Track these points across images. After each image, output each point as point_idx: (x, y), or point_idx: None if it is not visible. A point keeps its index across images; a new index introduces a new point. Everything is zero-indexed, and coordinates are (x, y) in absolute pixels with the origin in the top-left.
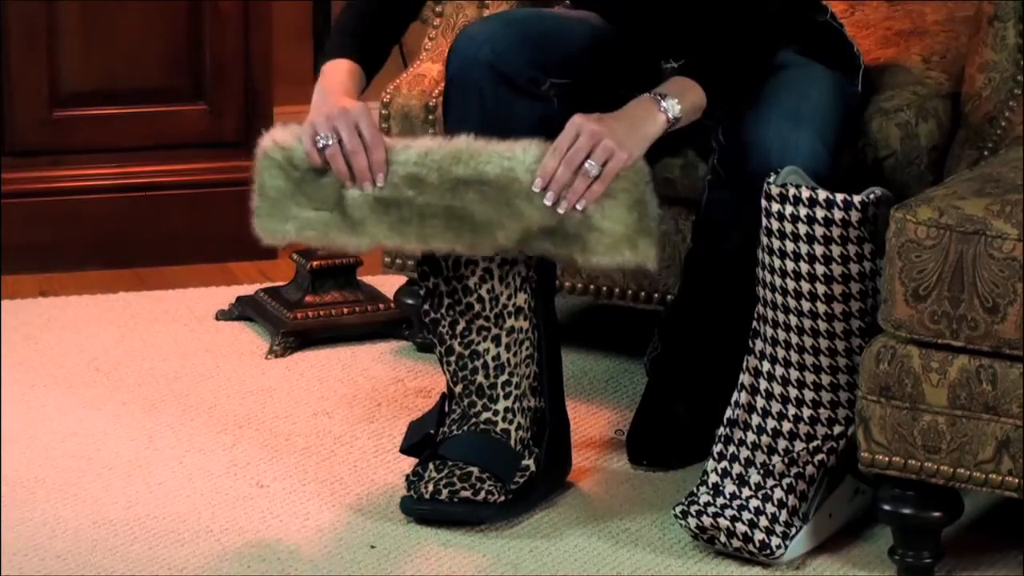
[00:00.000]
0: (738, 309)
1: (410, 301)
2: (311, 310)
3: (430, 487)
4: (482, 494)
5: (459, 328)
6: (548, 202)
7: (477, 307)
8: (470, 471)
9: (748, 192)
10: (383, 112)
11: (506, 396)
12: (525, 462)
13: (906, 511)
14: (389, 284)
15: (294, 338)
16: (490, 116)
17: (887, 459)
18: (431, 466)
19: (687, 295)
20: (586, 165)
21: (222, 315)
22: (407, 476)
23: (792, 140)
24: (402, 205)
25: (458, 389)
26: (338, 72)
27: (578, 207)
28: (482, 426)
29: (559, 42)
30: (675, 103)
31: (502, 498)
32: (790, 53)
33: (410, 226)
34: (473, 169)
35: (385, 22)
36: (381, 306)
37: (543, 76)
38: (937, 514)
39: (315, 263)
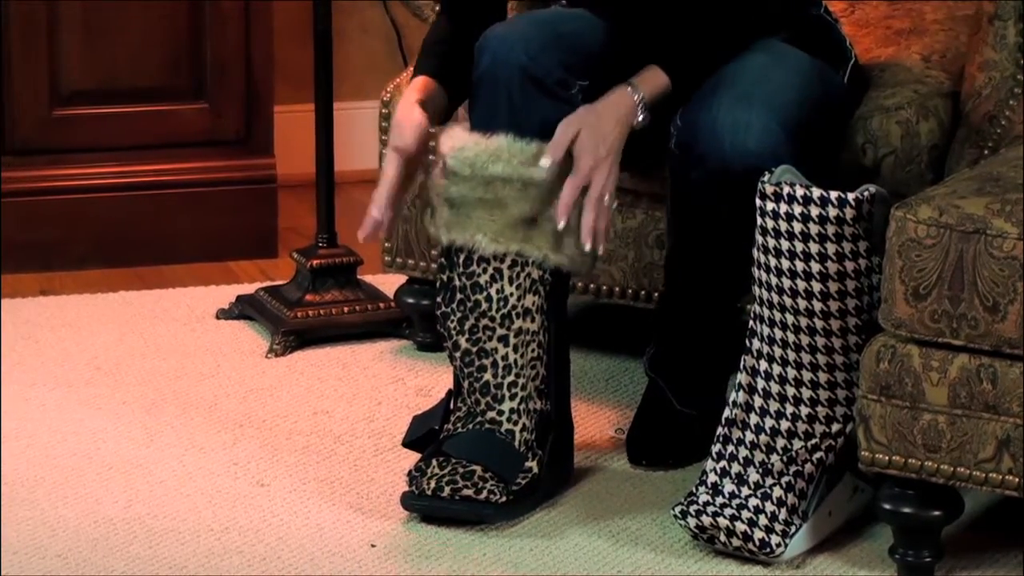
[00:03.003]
0: (718, 294)
1: (410, 300)
2: (311, 309)
3: (432, 483)
4: (484, 493)
5: (467, 325)
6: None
7: (485, 305)
8: (473, 469)
9: (704, 173)
10: (383, 111)
11: (512, 397)
12: (528, 464)
13: (906, 510)
14: (389, 283)
15: (294, 337)
16: (517, 117)
17: (887, 458)
18: (434, 462)
19: (670, 289)
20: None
21: (222, 314)
22: (409, 471)
23: (743, 119)
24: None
25: (464, 386)
26: (410, 91)
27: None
28: (487, 425)
29: (583, 43)
30: (641, 91)
31: (504, 499)
32: (769, 40)
33: (440, 214)
34: (514, 169)
35: (466, 41)
36: (381, 305)
37: (572, 79)
38: (937, 513)
39: (315, 262)
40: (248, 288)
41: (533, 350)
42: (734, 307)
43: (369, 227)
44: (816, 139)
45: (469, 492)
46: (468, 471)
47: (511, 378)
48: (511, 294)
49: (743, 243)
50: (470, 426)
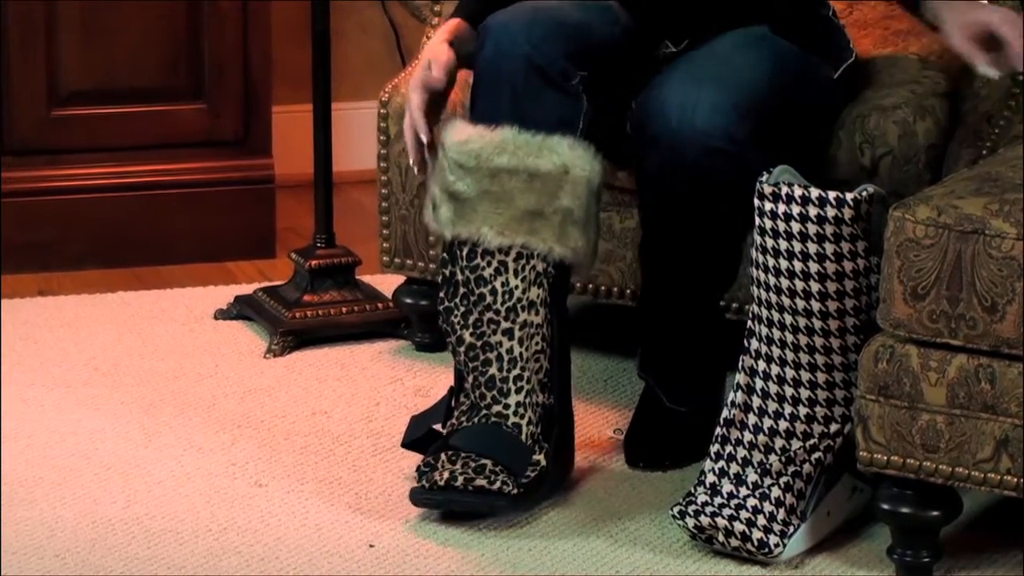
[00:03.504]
0: (691, 286)
1: (408, 300)
2: (309, 309)
3: (445, 475)
4: (497, 484)
5: (472, 319)
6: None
7: (489, 299)
8: (484, 463)
9: (657, 154)
10: (381, 111)
11: (518, 391)
12: (536, 457)
13: (905, 510)
14: (388, 283)
15: (292, 337)
16: (520, 107)
17: (886, 458)
18: (443, 456)
19: (645, 283)
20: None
21: (220, 314)
22: (418, 467)
23: (692, 98)
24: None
25: (469, 380)
26: (441, 31)
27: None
28: (493, 419)
29: (587, 33)
30: None
31: (516, 491)
32: (752, 28)
33: (444, 208)
34: (520, 161)
35: None
36: (380, 305)
37: (574, 70)
38: (935, 513)
39: (313, 262)
40: (246, 288)
41: (537, 343)
42: (714, 301)
43: (416, 152)
44: (788, 126)
45: (483, 483)
46: (479, 465)
47: (516, 371)
48: (516, 287)
49: (710, 231)
50: (475, 419)
